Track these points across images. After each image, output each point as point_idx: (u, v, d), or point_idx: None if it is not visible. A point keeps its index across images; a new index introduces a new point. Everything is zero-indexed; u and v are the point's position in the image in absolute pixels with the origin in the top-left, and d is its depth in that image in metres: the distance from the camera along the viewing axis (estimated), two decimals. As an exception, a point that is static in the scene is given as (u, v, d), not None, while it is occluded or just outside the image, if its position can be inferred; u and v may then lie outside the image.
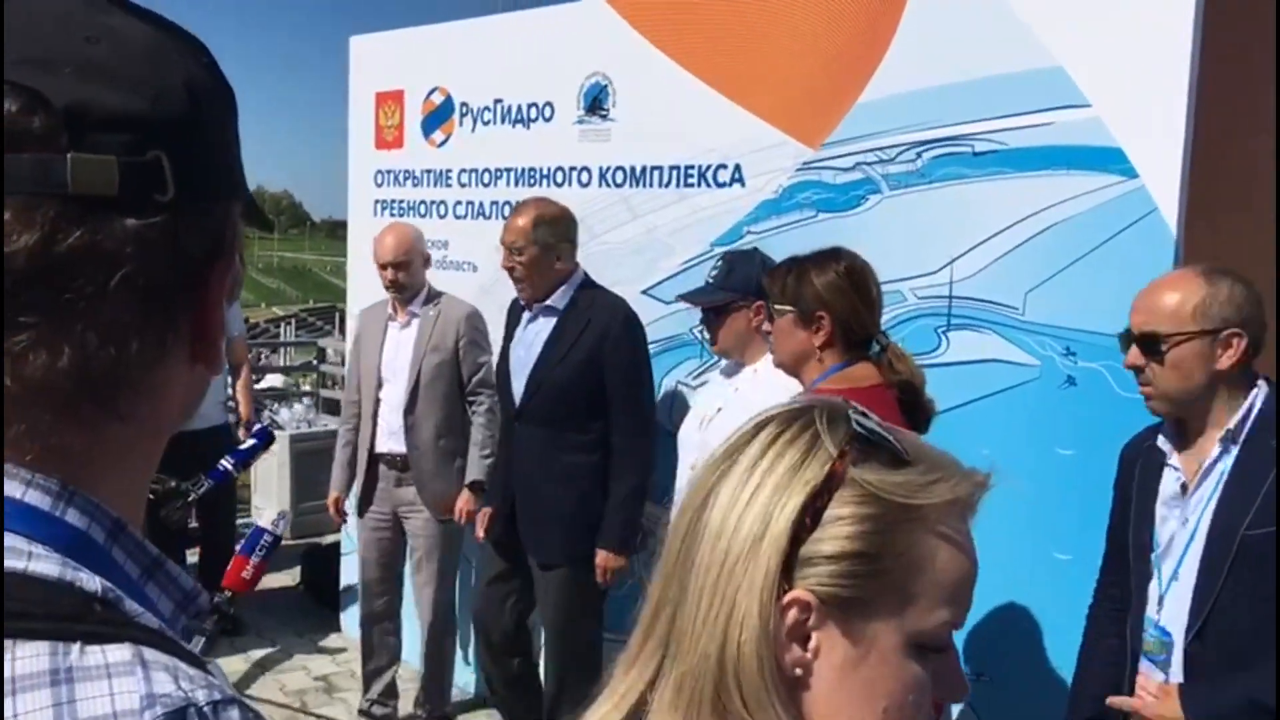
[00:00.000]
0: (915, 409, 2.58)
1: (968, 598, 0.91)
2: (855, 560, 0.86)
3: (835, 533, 0.86)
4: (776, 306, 2.66)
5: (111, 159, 0.60)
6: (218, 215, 0.68)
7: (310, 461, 6.89)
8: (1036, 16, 3.08)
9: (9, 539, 0.59)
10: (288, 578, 6.17)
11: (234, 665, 5.03)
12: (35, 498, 0.61)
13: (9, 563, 0.58)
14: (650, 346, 4.05)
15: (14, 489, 0.61)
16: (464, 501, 4.22)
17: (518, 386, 3.89)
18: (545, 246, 3.78)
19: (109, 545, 0.64)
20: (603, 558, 3.71)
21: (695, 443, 3.29)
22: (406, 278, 4.25)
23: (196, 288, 0.67)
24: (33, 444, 0.62)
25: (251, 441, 3.10)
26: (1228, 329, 2.25)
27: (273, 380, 10.22)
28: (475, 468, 4.24)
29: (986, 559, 2.67)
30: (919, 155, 3.36)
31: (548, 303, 3.85)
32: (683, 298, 3.48)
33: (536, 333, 3.88)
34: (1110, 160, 2.96)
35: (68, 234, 0.59)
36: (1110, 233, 2.96)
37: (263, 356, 11.92)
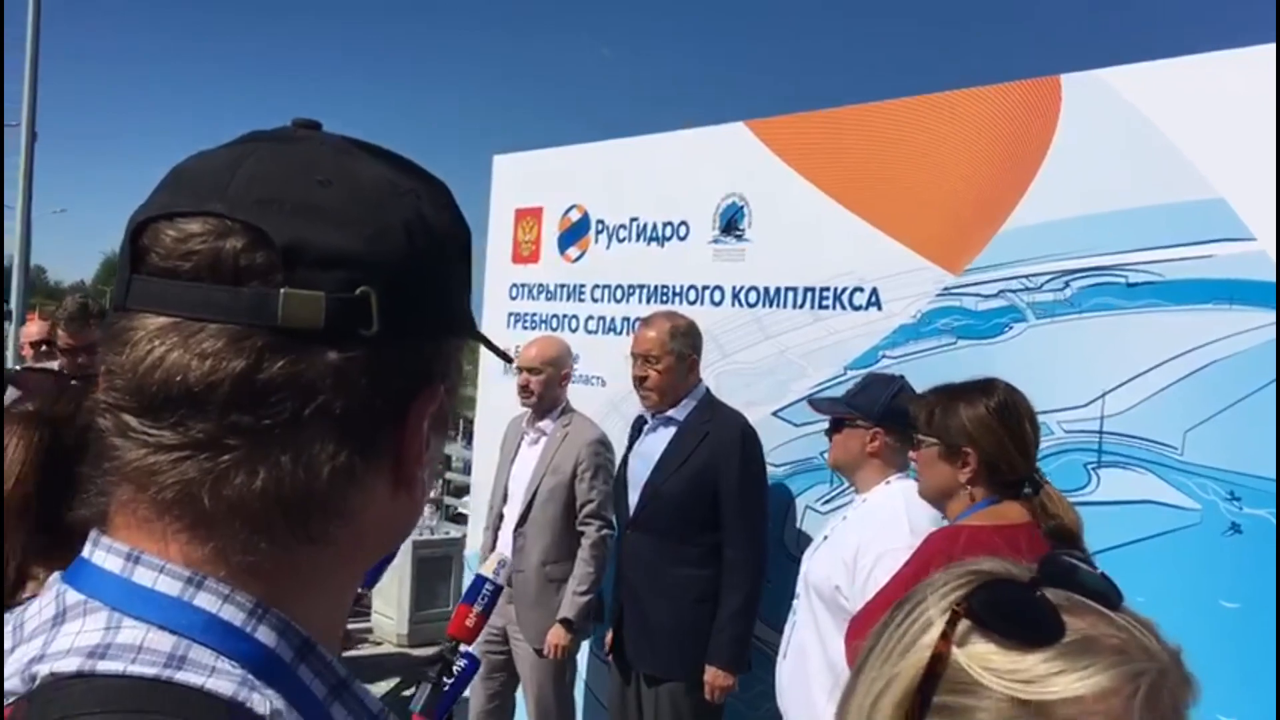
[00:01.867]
0: None
1: None
2: None
3: None
4: (921, 437, 2.55)
5: (320, 294, 0.64)
6: (427, 351, 0.71)
7: (430, 569, 6.92)
8: (1194, 145, 2.98)
9: (196, 652, 0.62)
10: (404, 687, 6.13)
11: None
12: (229, 613, 0.64)
13: (191, 677, 0.60)
14: (780, 469, 3.97)
15: (211, 603, 0.64)
16: (554, 636, 4.09)
17: (633, 497, 3.87)
18: (680, 356, 3.82)
19: (296, 664, 0.66)
20: (711, 674, 3.62)
21: (802, 572, 3.18)
22: (539, 385, 4.26)
23: (397, 418, 0.69)
24: (228, 560, 0.65)
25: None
26: None
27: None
28: (569, 605, 4.11)
29: None
30: (1067, 284, 3.24)
31: (669, 414, 3.85)
32: (811, 401, 3.42)
33: (655, 443, 3.87)
34: (1275, 295, 2.80)
35: (273, 363, 0.63)
36: (1276, 373, 2.79)
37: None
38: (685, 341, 3.84)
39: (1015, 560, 0.89)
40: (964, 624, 0.78)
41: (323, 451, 0.66)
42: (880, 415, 3.04)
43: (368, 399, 0.66)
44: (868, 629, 2.48)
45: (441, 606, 6.97)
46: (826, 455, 3.35)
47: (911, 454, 2.66)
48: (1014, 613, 0.78)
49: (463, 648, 2.27)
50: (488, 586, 2.27)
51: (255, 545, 0.65)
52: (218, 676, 0.61)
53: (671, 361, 3.81)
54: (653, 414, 3.91)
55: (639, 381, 3.87)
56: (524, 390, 4.28)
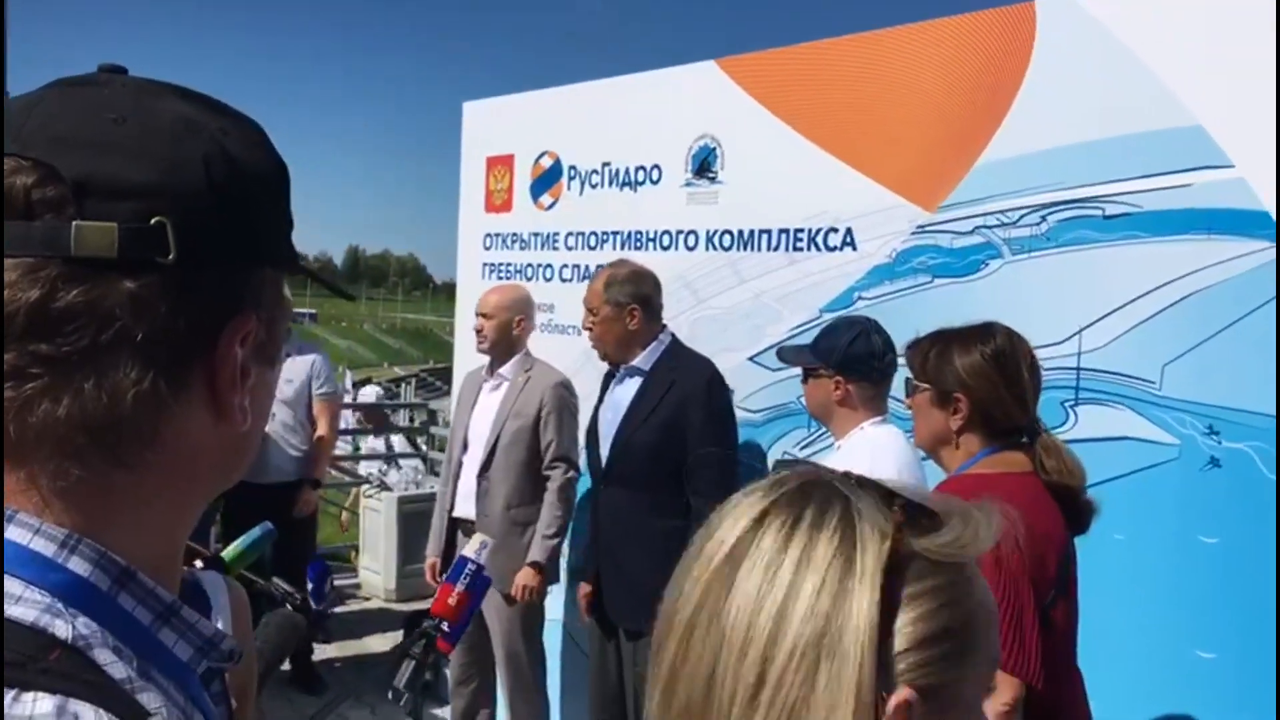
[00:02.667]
0: (1073, 510, 2.33)
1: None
2: (943, 640, 0.81)
3: (917, 615, 0.80)
4: (915, 383, 2.47)
5: (112, 225, 0.66)
6: (235, 278, 0.73)
7: (417, 523, 6.88)
8: (1172, 72, 2.89)
9: (8, 584, 0.64)
10: (389, 641, 6.12)
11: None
12: (40, 544, 0.66)
13: None
14: (757, 414, 3.91)
15: (21, 535, 0.66)
16: (523, 578, 4.09)
17: (604, 450, 3.82)
18: (617, 305, 3.76)
19: (115, 591, 0.68)
20: None
21: None
22: (492, 331, 4.22)
23: (205, 345, 0.71)
24: (39, 486, 0.67)
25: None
26: None
27: (376, 445, 10.34)
28: (538, 548, 4.11)
29: (1120, 658, 2.43)
30: (1044, 218, 3.17)
31: (634, 364, 3.80)
32: (779, 352, 3.36)
33: (623, 395, 3.82)
34: (1255, 224, 2.73)
35: (68, 292, 0.65)
36: (1255, 302, 2.73)
37: (387, 416, 12.08)
38: (622, 290, 3.77)
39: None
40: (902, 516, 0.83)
41: (125, 377, 0.67)
42: (839, 363, 2.98)
43: (169, 325, 0.68)
44: None
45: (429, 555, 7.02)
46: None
47: (906, 400, 2.58)
48: (921, 501, 0.85)
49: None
50: (470, 566, 2.30)
51: (65, 471, 0.67)
52: (22, 605, 0.63)
53: (609, 311, 3.76)
54: (619, 365, 3.85)
55: (588, 333, 3.85)
56: (478, 334, 4.27)
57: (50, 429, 0.66)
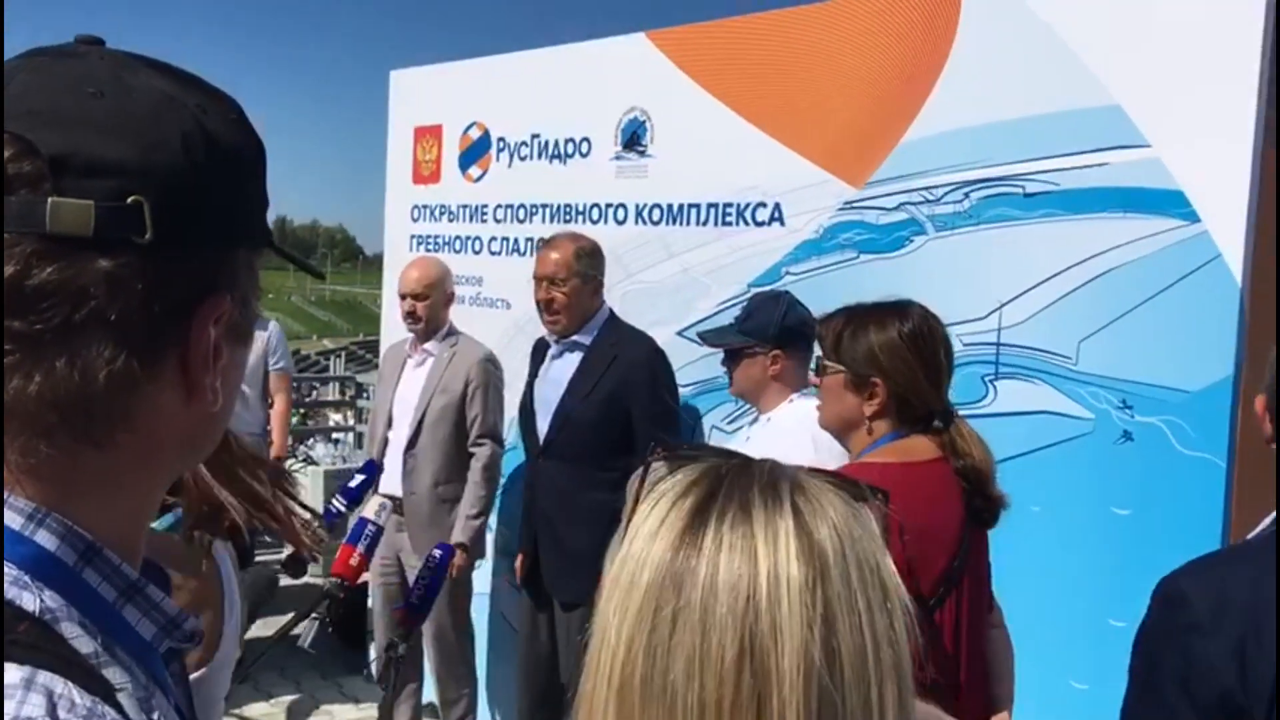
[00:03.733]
0: (981, 500, 2.25)
1: None
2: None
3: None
4: (826, 362, 2.33)
5: (89, 203, 0.65)
6: (210, 260, 0.73)
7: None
8: (1092, 52, 2.94)
9: None
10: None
11: (256, 709, 4.92)
12: (9, 518, 0.67)
13: None
14: (685, 389, 3.92)
15: None
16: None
17: (542, 424, 3.79)
18: (585, 278, 3.73)
19: (80, 567, 0.68)
20: None
21: None
22: (426, 310, 4.17)
23: (179, 326, 0.71)
24: (8, 465, 0.67)
25: (360, 478, 3.00)
26: None
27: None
28: (462, 529, 4.07)
29: (1036, 625, 2.47)
30: (966, 195, 3.21)
31: (574, 338, 3.77)
32: (701, 335, 3.35)
33: (562, 369, 3.79)
34: (1170, 203, 2.79)
35: (42, 269, 0.65)
36: (1170, 280, 2.79)
37: (313, 390, 11.90)
38: (590, 263, 3.76)
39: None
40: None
41: (99, 356, 0.67)
42: (777, 337, 2.99)
43: (144, 305, 0.68)
44: None
45: (354, 536, 6.94)
46: (728, 384, 3.29)
47: (814, 379, 2.45)
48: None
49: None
50: (370, 528, 2.30)
51: (34, 448, 0.67)
52: None
53: (578, 284, 3.72)
54: (558, 339, 3.82)
55: (544, 305, 3.78)
56: (410, 317, 4.19)
57: (21, 406, 0.66)
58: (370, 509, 2.34)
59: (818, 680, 0.72)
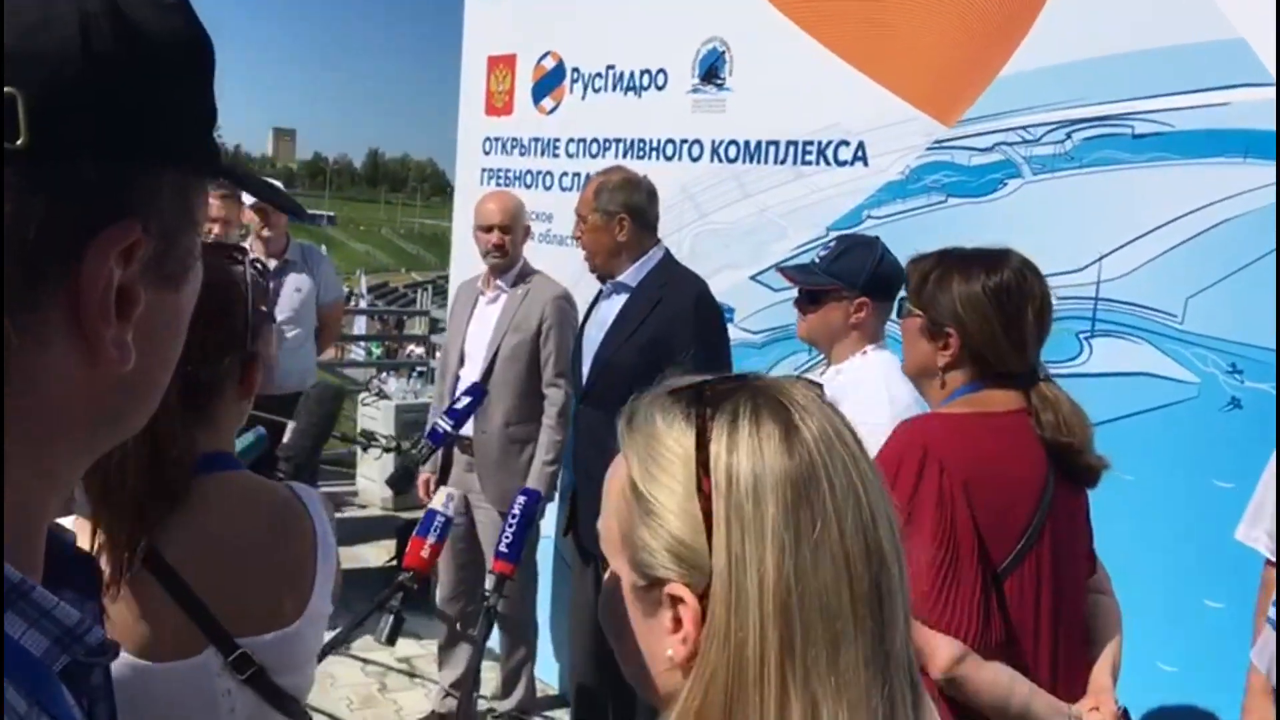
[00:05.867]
0: (1072, 469, 2.11)
1: None
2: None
3: None
4: (909, 305, 2.23)
5: None
6: (116, 176, 0.57)
7: (414, 432, 6.79)
8: (1216, -22, 2.65)
9: None
10: (384, 551, 6.07)
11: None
12: None
13: None
14: (756, 336, 3.76)
15: None
16: None
17: (586, 369, 3.64)
18: (607, 214, 3.54)
19: None
20: None
21: None
22: (512, 244, 4.04)
23: (65, 264, 0.55)
24: None
25: (467, 399, 2.93)
26: None
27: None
28: (535, 475, 3.96)
29: (1125, 600, 2.26)
30: (1068, 136, 2.96)
31: (621, 279, 3.58)
32: (782, 270, 3.12)
33: (608, 311, 3.62)
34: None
35: None
36: (1292, 233, 2.53)
37: (401, 324, 11.93)
38: (613, 198, 3.53)
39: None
40: None
41: None
42: (867, 284, 2.78)
43: (18, 231, 0.53)
44: None
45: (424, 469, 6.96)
46: (797, 326, 3.10)
47: (898, 319, 2.37)
48: None
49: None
50: (439, 519, 2.24)
51: None
52: None
53: (598, 220, 3.53)
54: (607, 279, 3.64)
55: (578, 241, 3.67)
56: (497, 250, 4.03)
57: None
58: (438, 500, 2.26)
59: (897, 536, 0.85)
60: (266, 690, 1.39)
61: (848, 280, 2.80)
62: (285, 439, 2.48)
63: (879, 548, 0.82)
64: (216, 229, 4.68)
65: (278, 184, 4.77)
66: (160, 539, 1.33)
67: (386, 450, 2.81)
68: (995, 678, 1.96)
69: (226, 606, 1.36)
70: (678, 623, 0.84)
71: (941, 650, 1.93)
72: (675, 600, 0.84)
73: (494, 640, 4.43)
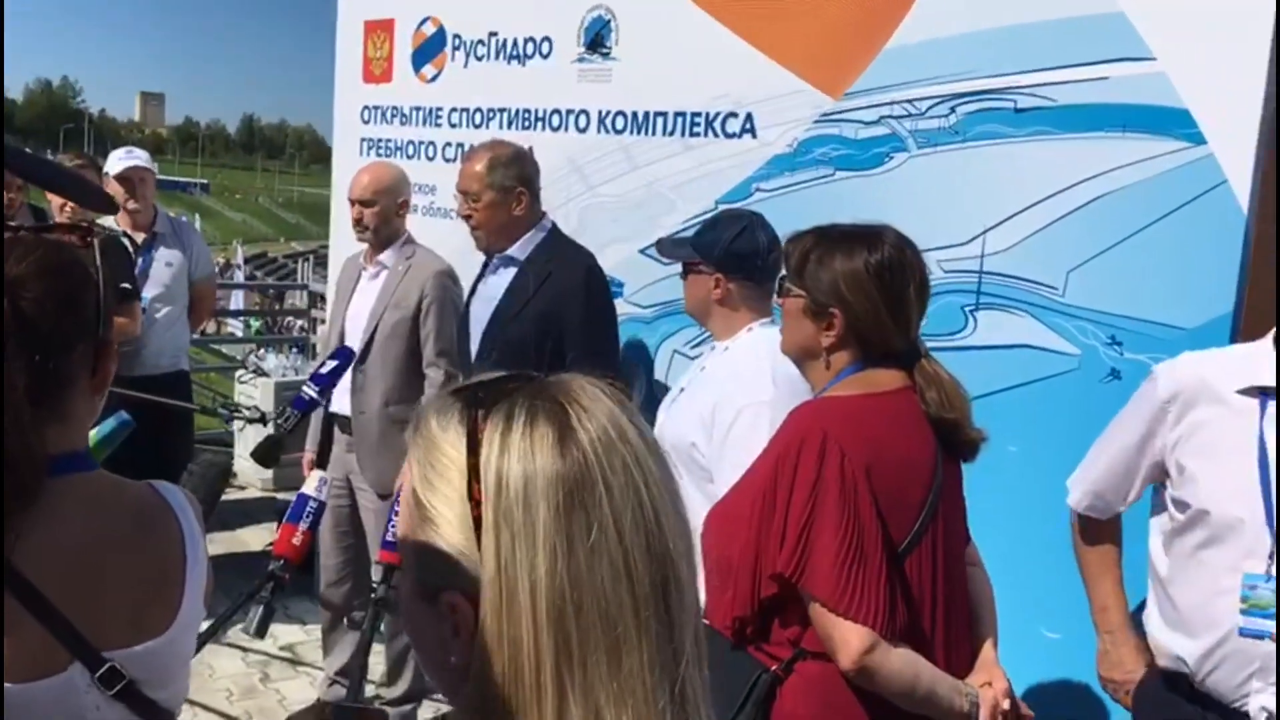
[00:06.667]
0: (953, 443, 2.11)
1: None
2: None
3: None
4: (789, 285, 2.18)
5: None
6: None
7: (283, 404, 6.59)
8: (1096, -46, 2.68)
9: None
10: (265, 533, 5.88)
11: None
12: None
13: None
14: (646, 310, 3.71)
15: None
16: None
17: (474, 344, 3.54)
18: (503, 190, 3.44)
19: None
20: None
21: (657, 426, 2.94)
22: (374, 218, 3.89)
23: None
24: None
25: (333, 363, 2.78)
26: None
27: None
28: None
29: (1009, 570, 2.28)
30: (953, 110, 2.97)
31: (509, 253, 3.49)
32: (658, 243, 3.06)
33: (496, 285, 3.52)
34: (1174, 123, 2.57)
35: None
36: (1169, 207, 2.59)
37: (280, 298, 11.58)
38: (507, 173, 3.44)
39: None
40: None
41: None
42: (719, 260, 2.74)
43: None
44: (728, 521, 2.19)
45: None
46: None
47: (778, 300, 2.31)
48: None
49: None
50: (311, 504, 2.12)
51: None
52: None
53: (493, 197, 3.43)
54: (495, 254, 3.55)
55: (466, 220, 3.52)
56: (358, 225, 3.91)
57: None
58: (310, 484, 2.14)
59: (686, 538, 0.84)
60: (138, 705, 1.29)
61: (704, 254, 2.77)
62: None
63: (664, 548, 0.80)
64: (69, 206, 4.41)
65: (94, 176, 4.53)
66: (12, 550, 1.22)
67: (251, 421, 2.69)
68: (903, 666, 1.96)
69: (90, 618, 1.25)
70: (456, 630, 0.82)
71: (852, 640, 1.92)
72: (453, 608, 0.82)
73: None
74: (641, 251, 3.73)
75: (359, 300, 4.01)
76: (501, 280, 3.51)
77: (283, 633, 4.86)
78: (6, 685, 1.21)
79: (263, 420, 2.71)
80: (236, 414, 2.53)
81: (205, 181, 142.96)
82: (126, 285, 4.46)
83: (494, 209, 3.44)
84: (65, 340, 1.28)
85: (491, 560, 0.79)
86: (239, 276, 36.33)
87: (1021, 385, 2.84)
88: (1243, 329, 2.46)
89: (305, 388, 2.63)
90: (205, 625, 1.83)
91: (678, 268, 3.27)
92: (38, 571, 1.23)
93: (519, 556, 0.78)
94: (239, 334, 16.02)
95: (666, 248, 2.96)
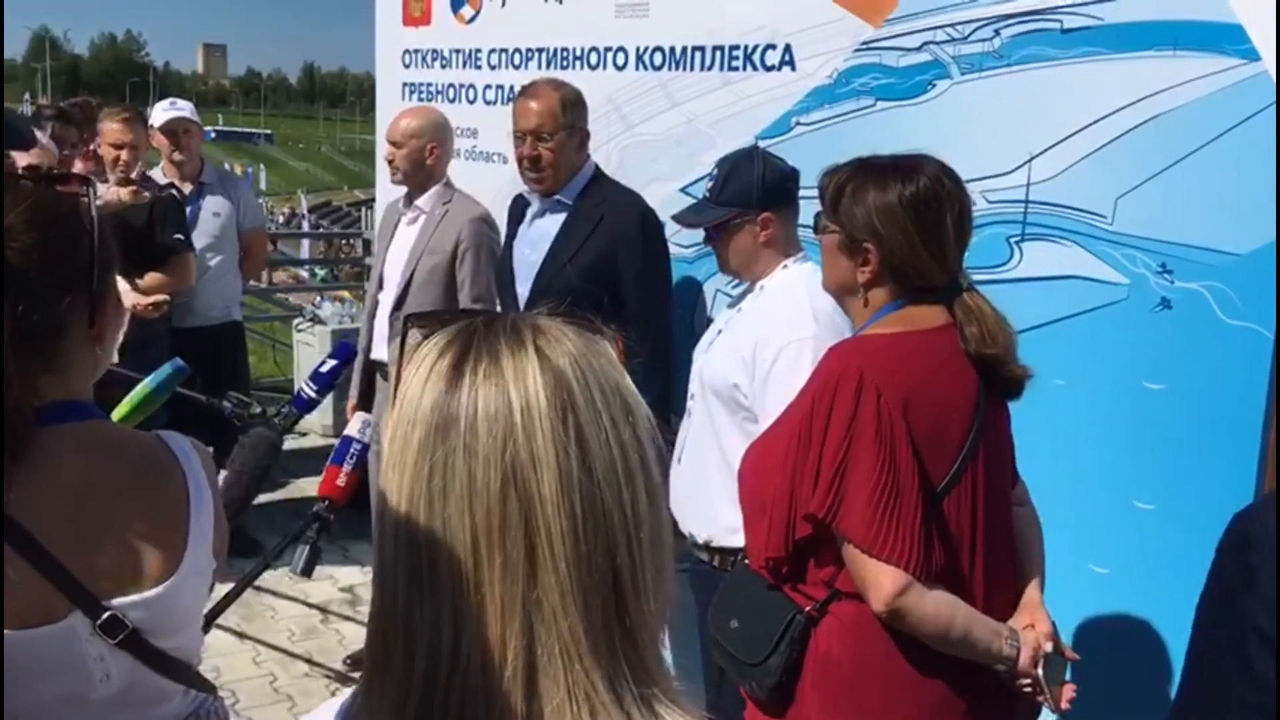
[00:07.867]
0: (996, 380, 2.06)
1: None
2: None
3: None
4: (825, 221, 2.14)
5: None
6: None
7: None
8: None
9: None
10: (325, 479, 5.97)
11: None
12: None
13: None
14: (688, 250, 3.66)
15: None
16: None
17: (522, 290, 3.49)
18: (572, 130, 3.39)
19: None
20: None
21: (696, 369, 2.91)
22: (404, 161, 3.89)
23: None
24: None
25: (333, 363, 2.80)
26: None
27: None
28: None
29: (1057, 507, 2.23)
30: (997, 33, 2.87)
31: (556, 197, 3.44)
32: (677, 219, 3.00)
33: (544, 230, 3.46)
34: (1226, 39, 2.46)
35: None
36: (1222, 128, 2.47)
37: (344, 245, 11.69)
38: (578, 113, 3.40)
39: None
40: None
41: None
42: (763, 199, 2.69)
43: None
44: (764, 460, 2.16)
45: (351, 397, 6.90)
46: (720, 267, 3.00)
47: (816, 236, 2.26)
48: None
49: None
50: (355, 446, 2.12)
51: None
52: None
53: (564, 138, 3.36)
54: (541, 196, 3.51)
55: (530, 163, 3.42)
56: (389, 165, 3.93)
57: None
58: (354, 426, 2.15)
59: (578, 492, 0.79)
60: (146, 655, 1.30)
61: (741, 203, 2.72)
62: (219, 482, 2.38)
63: (529, 492, 0.79)
64: (124, 154, 4.46)
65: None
66: (7, 498, 1.23)
67: (251, 420, 2.65)
68: (937, 608, 1.93)
69: (88, 566, 1.26)
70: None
71: (884, 582, 1.90)
72: None
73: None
74: (683, 190, 3.67)
75: (397, 245, 4.02)
76: (549, 225, 3.46)
77: (343, 575, 4.96)
78: (8, 632, 1.22)
79: (264, 419, 2.69)
80: (237, 409, 2.50)
81: (269, 132, 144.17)
82: (180, 236, 4.52)
83: (564, 149, 3.38)
84: (53, 290, 1.28)
85: (379, 480, 0.86)
86: (305, 226, 36.83)
87: (1069, 317, 2.76)
88: (1298, 253, 2.36)
89: (305, 387, 2.63)
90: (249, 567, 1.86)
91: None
92: (33, 518, 1.24)
93: (390, 478, 0.83)
94: (308, 283, 16.24)
95: (689, 217, 2.91)
